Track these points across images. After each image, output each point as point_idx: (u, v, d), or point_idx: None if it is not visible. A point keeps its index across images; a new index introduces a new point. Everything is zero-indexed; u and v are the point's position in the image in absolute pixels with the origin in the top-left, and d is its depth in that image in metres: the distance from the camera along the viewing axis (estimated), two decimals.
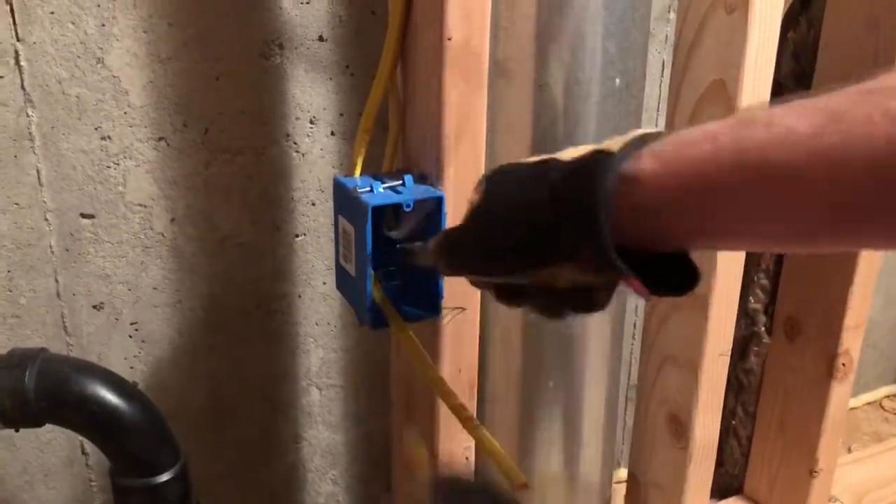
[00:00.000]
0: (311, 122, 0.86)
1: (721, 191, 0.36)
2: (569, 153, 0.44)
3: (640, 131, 0.42)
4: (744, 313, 1.04)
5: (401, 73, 0.67)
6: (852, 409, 1.54)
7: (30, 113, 0.75)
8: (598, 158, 0.41)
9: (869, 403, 1.59)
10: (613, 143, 0.41)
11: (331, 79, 0.85)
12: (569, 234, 0.41)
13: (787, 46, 0.96)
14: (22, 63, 0.73)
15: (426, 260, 0.54)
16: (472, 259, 0.48)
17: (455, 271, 0.50)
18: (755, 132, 0.35)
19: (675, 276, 0.42)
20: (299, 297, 0.93)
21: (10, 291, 0.79)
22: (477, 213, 0.47)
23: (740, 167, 0.35)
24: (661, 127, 1.05)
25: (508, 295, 0.49)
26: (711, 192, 0.37)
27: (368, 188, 0.62)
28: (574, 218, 0.40)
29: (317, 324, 0.96)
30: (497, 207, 0.46)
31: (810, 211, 0.34)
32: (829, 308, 0.94)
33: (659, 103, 1.05)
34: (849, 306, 0.92)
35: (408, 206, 0.61)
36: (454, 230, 0.49)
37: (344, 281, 0.67)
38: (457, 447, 0.70)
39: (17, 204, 0.77)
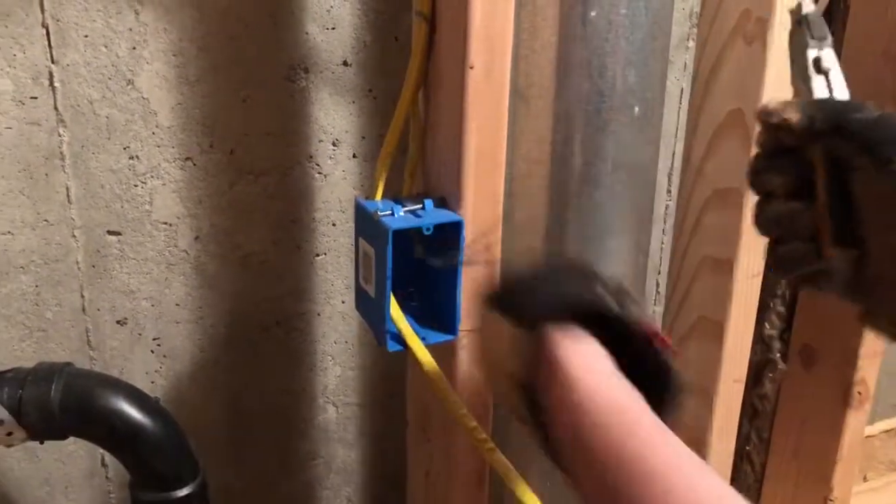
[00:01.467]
0: (334, 144, 0.87)
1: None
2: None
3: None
4: (759, 339, 1.04)
5: (423, 99, 0.68)
6: (868, 436, 1.53)
7: (61, 132, 0.77)
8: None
9: (885, 431, 1.58)
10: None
11: (354, 102, 0.87)
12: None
13: None
14: (55, 84, 0.75)
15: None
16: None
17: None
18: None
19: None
20: (318, 315, 0.94)
21: (37, 305, 0.81)
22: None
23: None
24: (679, 157, 1.06)
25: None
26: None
27: (389, 212, 0.63)
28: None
29: (335, 342, 0.97)
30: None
31: None
32: (845, 336, 0.94)
33: (677, 130, 1.06)
34: (865, 334, 0.92)
35: (428, 230, 0.62)
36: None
37: (363, 302, 0.68)
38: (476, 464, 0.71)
39: (46, 220, 0.79)
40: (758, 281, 0.82)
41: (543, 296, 0.51)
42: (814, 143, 0.45)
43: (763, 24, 0.73)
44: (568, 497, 0.82)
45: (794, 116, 0.45)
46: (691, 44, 1.03)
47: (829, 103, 0.48)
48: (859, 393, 0.95)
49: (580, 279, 0.52)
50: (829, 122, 0.45)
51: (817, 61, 0.51)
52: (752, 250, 0.80)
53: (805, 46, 0.52)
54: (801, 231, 0.47)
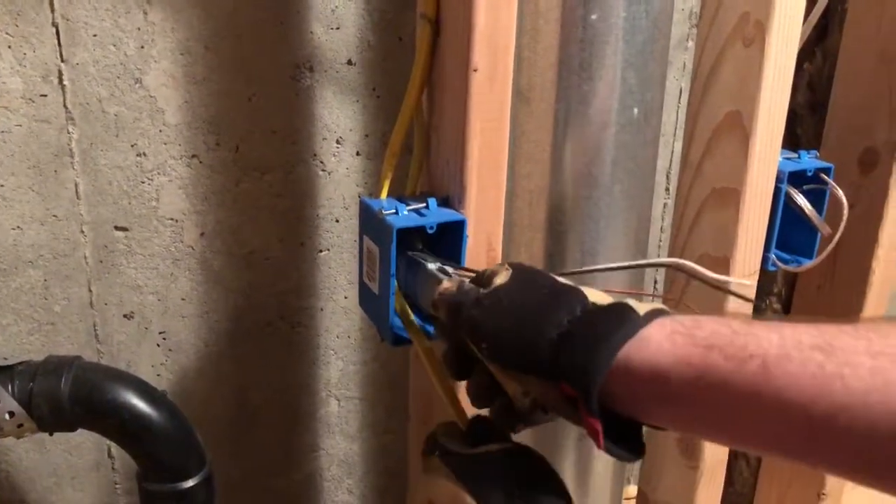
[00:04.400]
0: (338, 142, 0.89)
1: (721, 390, 0.38)
2: (593, 294, 0.47)
3: (660, 305, 0.45)
4: None
5: (427, 100, 0.70)
6: None
7: (70, 130, 0.78)
8: (624, 309, 0.44)
9: None
10: (636, 304, 0.44)
11: (357, 101, 0.88)
12: (567, 362, 0.43)
13: (804, 76, 0.98)
14: (65, 82, 0.76)
15: (426, 297, 0.57)
16: (469, 326, 0.50)
17: (449, 328, 0.53)
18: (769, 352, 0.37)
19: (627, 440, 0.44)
20: (321, 310, 0.96)
21: (46, 300, 0.83)
22: (495, 294, 0.50)
23: (750, 385, 0.37)
24: (677, 156, 1.07)
25: (459, 371, 0.54)
26: (711, 386, 0.39)
27: (393, 210, 0.64)
28: (578, 352, 0.43)
29: (338, 336, 0.98)
30: (515, 301, 0.49)
31: (798, 444, 0.37)
32: None
33: (676, 129, 1.08)
34: None
35: (431, 228, 0.63)
36: (467, 294, 0.52)
37: (367, 298, 0.70)
38: None
39: (55, 216, 0.80)
40: (754, 279, 0.83)
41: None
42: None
43: (761, 28, 0.74)
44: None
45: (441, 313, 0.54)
46: (691, 44, 1.04)
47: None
48: None
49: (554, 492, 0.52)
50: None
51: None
52: (748, 249, 0.81)
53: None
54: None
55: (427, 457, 0.59)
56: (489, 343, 0.49)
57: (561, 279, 0.51)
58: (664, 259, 0.59)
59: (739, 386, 0.37)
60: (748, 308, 0.84)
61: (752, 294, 0.84)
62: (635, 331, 0.42)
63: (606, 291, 0.49)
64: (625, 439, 0.44)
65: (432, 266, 0.60)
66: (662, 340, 0.41)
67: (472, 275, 0.56)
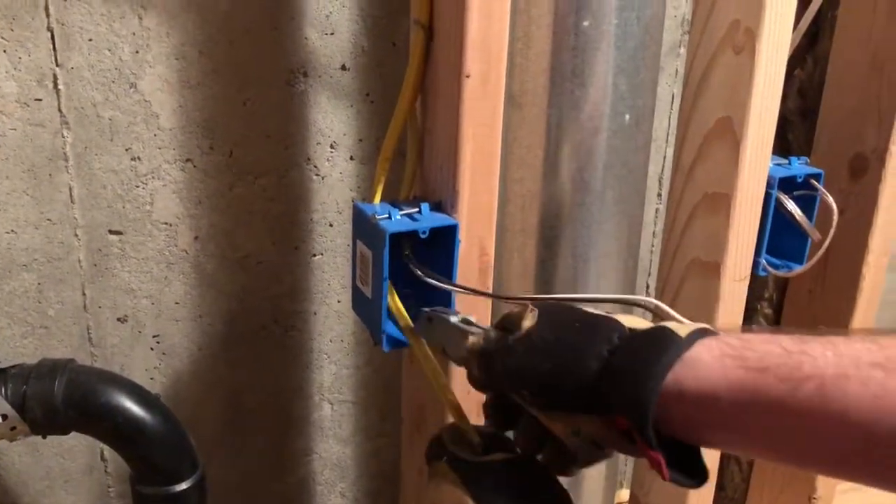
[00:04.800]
0: (332, 146, 0.89)
1: (776, 413, 0.37)
2: (628, 319, 0.46)
3: (702, 325, 0.44)
4: None
5: (420, 105, 0.70)
6: None
7: (65, 134, 0.78)
8: (666, 333, 0.42)
9: None
10: (676, 326, 0.43)
11: (351, 106, 0.89)
12: (616, 394, 0.42)
13: (794, 83, 0.99)
14: (60, 87, 0.76)
15: (453, 352, 0.56)
16: (507, 375, 0.49)
17: (485, 381, 0.53)
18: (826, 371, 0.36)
19: (687, 464, 0.43)
20: (315, 314, 0.96)
21: (40, 303, 0.83)
22: (527, 338, 0.49)
23: (803, 401, 0.37)
24: (669, 161, 1.08)
25: (504, 422, 0.53)
26: (766, 409, 0.38)
27: (387, 215, 0.65)
28: (626, 382, 0.42)
29: (331, 340, 0.99)
30: (549, 341, 0.48)
31: (860, 464, 0.36)
32: None
33: (668, 135, 1.08)
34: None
35: (423, 233, 0.64)
36: (497, 343, 0.51)
37: (360, 302, 0.70)
38: None
39: (49, 220, 0.80)
40: (745, 284, 0.84)
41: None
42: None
43: (751, 35, 0.74)
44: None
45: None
46: (682, 50, 1.05)
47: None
48: None
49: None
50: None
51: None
52: (739, 254, 0.82)
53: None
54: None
55: (432, 462, 0.59)
56: (531, 388, 0.48)
57: (590, 309, 0.50)
58: (640, 298, 0.59)
59: (796, 408, 0.36)
60: (739, 312, 0.85)
61: (742, 299, 0.84)
62: (679, 354, 0.41)
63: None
64: (684, 463, 0.42)
65: (455, 319, 0.59)
66: (712, 363, 0.40)
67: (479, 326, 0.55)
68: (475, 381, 0.54)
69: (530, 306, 0.51)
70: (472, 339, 0.54)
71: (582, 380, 0.44)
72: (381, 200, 0.69)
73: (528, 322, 0.50)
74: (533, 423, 0.50)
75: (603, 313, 0.49)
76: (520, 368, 0.48)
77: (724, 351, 0.40)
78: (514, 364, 0.49)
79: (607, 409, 0.43)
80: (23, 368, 0.72)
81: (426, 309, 0.62)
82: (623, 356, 0.43)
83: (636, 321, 0.47)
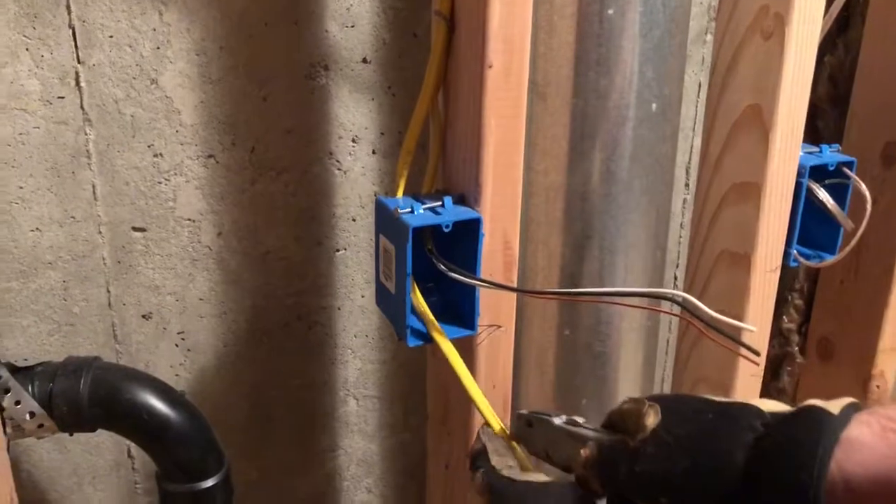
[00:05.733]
0: (354, 140, 0.89)
1: None
2: (766, 402, 0.43)
3: (849, 399, 0.40)
4: (777, 333, 1.05)
5: (442, 98, 0.69)
6: None
7: (87, 131, 0.78)
8: (817, 412, 0.39)
9: None
10: (825, 403, 0.40)
11: (373, 99, 0.88)
12: (771, 484, 0.39)
13: (825, 69, 0.97)
14: (82, 84, 0.76)
15: (561, 459, 0.51)
16: (639, 484, 0.45)
17: (609, 492, 0.47)
18: None
19: None
20: (339, 309, 0.96)
21: (65, 301, 0.83)
22: (656, 437, 0.44)
23: None
24: (697, 151, 1.06)
25: None
26: None
27: (409, 209, 0.64)
28: (784, 469, 0.38)
29: (355, 336, 0.98)
30: (683, 437, 0.43)
31: None
32: (863, 330, 0.95)
33: (695, 124, 1.07)
34: (884, 329, 0.92)
35: (447, 227, 0.63)
36: (618, 449, 0.46)
37: (384, 297, 0.70)
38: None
39: (73, 217, 0.81)
40: (775, 275, 0.82)
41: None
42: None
43: (781, 20, 0.73)
44: None
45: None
46: (709, 38, 1.03)
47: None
48: (878, 387, 0.95)
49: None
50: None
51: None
52: (769, 245, 0.80)
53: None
54: None
55: (473, 472, 0.56)
56: (670, 493, 0.43)
57: (714, 397, 0.45)
58: (668, 291, 0.56)
59: None
60: (770, 305, 0.83)
61: (773, 291, 0.83)
62: (837, 435, 0.37)
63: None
64: None
65: (559, 421, 0.53)
66: (876, 443, 0.37)
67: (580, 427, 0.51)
68: (593, 493, 0.49)
69: (645, 401, 0.46)
70: (585, 451, 0.48)
71: (728, 475, 0.40)
72: (404, 194, 0.68)
73: (652, 419, 0.45)
74: None
75: (734, 400, 0.44)
76: (654, 473, 0.43)
77: (884, 425, 0.37)
78: (647, 469, 0.44)
79: (762, 501, 0.39)
80: (49, 366, 0.72)
81: (523, 411, 0.58)
82: (773, 443, 0.39)
83: (774, 404, 0.43)
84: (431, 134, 0.70)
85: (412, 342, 0.65)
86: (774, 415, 0.41)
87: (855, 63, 0.91)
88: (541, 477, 0.52)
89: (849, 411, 0.39)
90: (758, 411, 0.42)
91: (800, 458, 0.37)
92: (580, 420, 0.53)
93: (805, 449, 0.37)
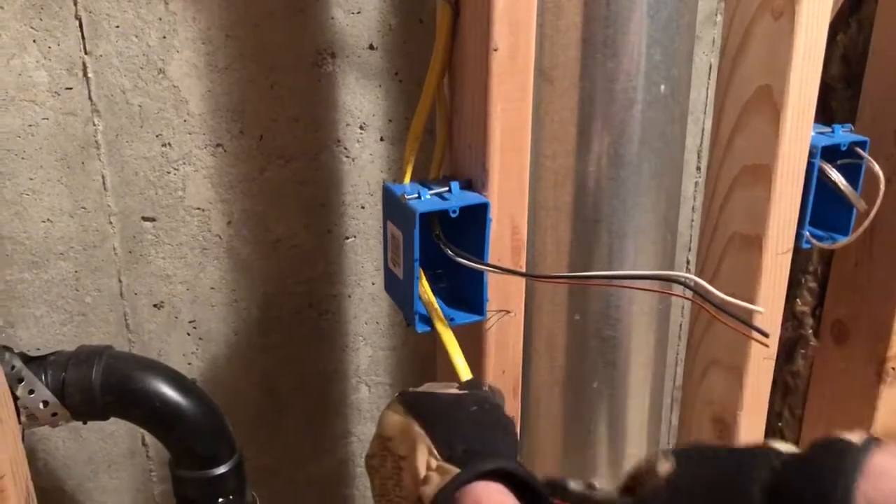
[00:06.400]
0: (361, 128, 0.88)
1: None
2: (777, 443, 0.43)
3: (866, 432, 0.40)
4: (791, 315, 1.04)
5: (448, 82, 0.69)
6: None
7: (96, 122, 0.78)
8: (838, 441, 0.38)
9: None
10: (846, 434, 0.40)
11: (380, 86, 0.88)
12: None
13: (837, 48, 0.95)
14: (89, 75, 0.77)
15: None
16: None
17: None
18: None
19: None
20: (349, 297, 0.96)
21: (77, 291, 0.84)
22: (671, 485, 0.44)
23: None
24: (707, 133, 1.05)
25: None
26: None
27: (416, 195, 0.64)
28: (805, 499, 0.37)
29: (366, 323, 0.98)
30: (698, 481, 0.43)
31: None
32: (878, 311, 0.94)
33: (706, 107, 1.06)
34: None
35: (454, 212, 0.63)
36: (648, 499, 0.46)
37: (392, 283, 0.70)
38: None
39: (83, 208, 0.81)
40: (787, 257, 0.81)
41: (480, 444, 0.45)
42: None
43: None
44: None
45: None
46: (719, 18, 1.02)
47: None
48: (893, 369, 0.95)
49: (507, 436, 0.49)
50: None
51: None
52: (781, 227, 0.79)
53: None
54: None
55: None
56: None
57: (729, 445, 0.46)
58: (679, 273, 0.56)
59: None
60: (782, 287, 0.82)
61: (785, 273, 0.82)
62: (861, 464, 0.37)
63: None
64: None
65: (575, 486, 0.54)
66: None
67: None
68: None
69: (656, 452, 0.46)
70: None
71: None
72: (411, 180, 0.68)
73: (664, 467, 0.45)
74: None
75: (745, 444, 0.44)
76: None
77: None
78: None
79: None
80: (61, 355, 0.73)
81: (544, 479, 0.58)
82: (795, 474, 0.39)
83: (789, 446, 0.43)
84: (438, 119, 0.70)
85: (420, 328, 0.65)
86: (791, 454, 0.41)
87: (868, 42, 0.89)
88: (453, 390, 0.54)
89: (871, 441, 0.38)
90: (773, 450, 0.42)
91: (822, 486, 0.37)
92: (596, 484, 0.53)
93: (828, 478, 0.37)
